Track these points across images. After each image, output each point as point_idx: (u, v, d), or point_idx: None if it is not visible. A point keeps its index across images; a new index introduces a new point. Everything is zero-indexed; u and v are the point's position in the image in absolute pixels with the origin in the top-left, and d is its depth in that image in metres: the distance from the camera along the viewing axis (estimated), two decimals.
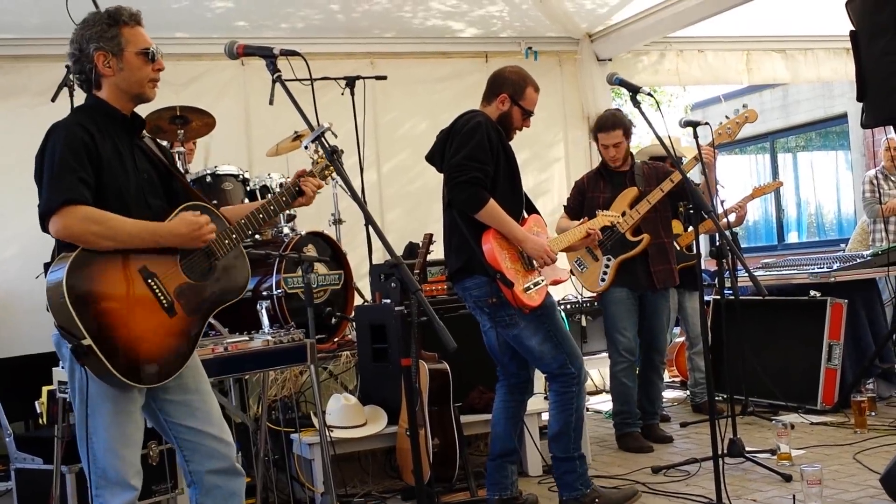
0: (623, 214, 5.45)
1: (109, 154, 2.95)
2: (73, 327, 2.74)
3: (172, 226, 2.96)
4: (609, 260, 5.72)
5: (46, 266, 3.09)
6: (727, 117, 5.36)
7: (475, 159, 4.15)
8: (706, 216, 4.05)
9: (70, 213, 2.80)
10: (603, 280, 5.74)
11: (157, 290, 2.91)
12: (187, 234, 2.96)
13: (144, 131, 3.20)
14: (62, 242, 2.88)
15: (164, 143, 5.09)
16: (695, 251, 4.29)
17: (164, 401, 3.08)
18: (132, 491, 2.93)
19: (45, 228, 2.86)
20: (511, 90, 4.39)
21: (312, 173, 3.31)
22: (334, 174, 3.36)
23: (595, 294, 6.02)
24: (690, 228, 5.85)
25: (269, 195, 3.18)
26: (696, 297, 6.48)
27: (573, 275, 5.83)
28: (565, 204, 6.01)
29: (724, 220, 6.03)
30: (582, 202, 5.82)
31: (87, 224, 2.81)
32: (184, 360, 2.96)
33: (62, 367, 3.99)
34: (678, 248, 6.36)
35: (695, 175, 5.79)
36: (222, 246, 3.06)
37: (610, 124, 5.78)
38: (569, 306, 7.13)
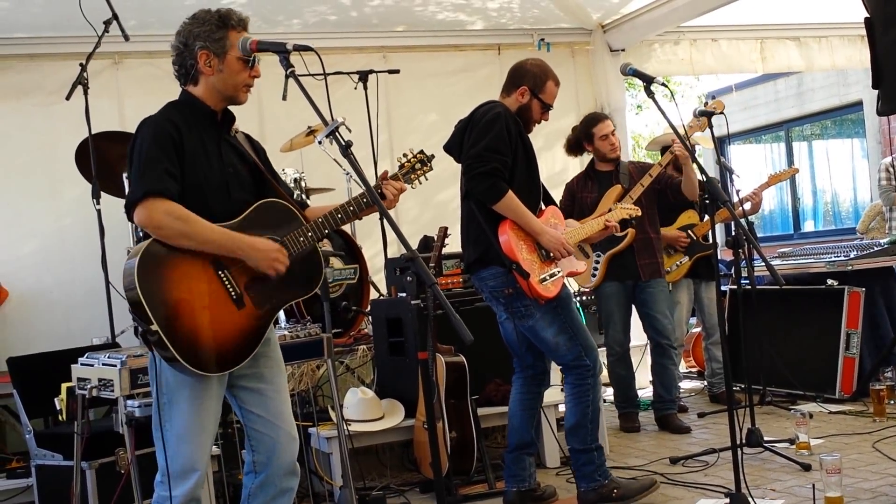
0: (609, 211, 5.49)
1: (194, 147, 3.02)
2: (142, 314, 2.81)
3: (254, 241, 3.02)
4: (599, 256, 5.83)
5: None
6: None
7: (494, 150, 4.14)
8: (722, 205, 4.04)
9: (152, 204, 2.88)
10: (594, 275, 5.86)
11: (227, 283, 2.97)
12: (263, 252, 3.00)
13: (238, 127, 3.26)
14: (143, 232, 2.96)
15: None
16: (711, 241, 4.29)
17: (241, 387, 3.16)
18: (194, 478, 2.97)
19: (130, 218, 2.95)
20: (531, 83, 4.38)
21: (396, 176, 3.32)
22: (421, 178, 3.39)
23: (588, 289, 6.17)
24: (707, 218, 5.86)
25: (351, 197, 3.20)
26: (712, 288, 6.48)
27: None
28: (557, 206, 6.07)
29: (740, 208, 6.05)
30: (573, 204, 5.90)
31: (169, 219, 2.88)
32: (249, 352, 3.01)
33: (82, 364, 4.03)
34: (694, 237, 6.35)
35: (710, 167, 5.79)
36: (296, 244, 3.11)
37: (601, 117, 5.98)
38: (584, 298, 7.13)
